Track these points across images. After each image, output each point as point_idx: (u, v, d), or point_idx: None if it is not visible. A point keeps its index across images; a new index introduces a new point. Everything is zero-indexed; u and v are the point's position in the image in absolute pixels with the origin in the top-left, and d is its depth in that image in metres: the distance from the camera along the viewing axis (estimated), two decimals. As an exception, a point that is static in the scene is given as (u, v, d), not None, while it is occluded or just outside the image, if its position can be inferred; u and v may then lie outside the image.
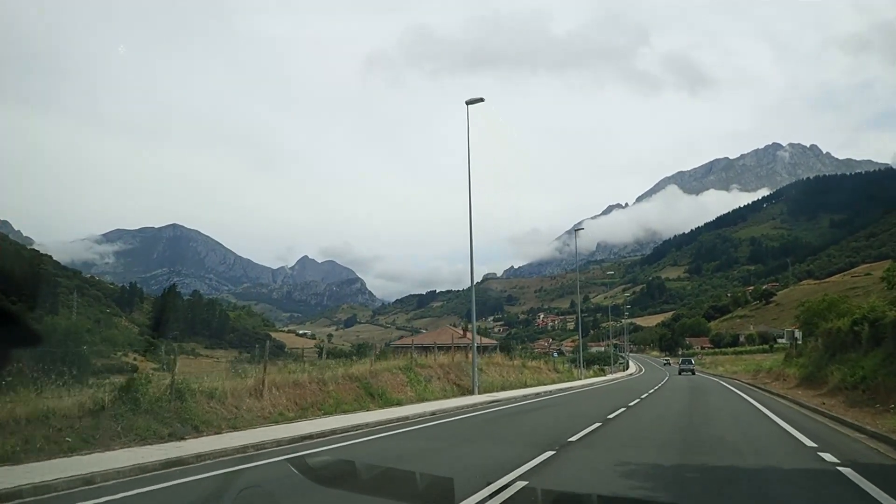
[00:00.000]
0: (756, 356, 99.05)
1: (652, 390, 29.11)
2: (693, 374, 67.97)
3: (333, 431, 12.82)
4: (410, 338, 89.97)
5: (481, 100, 24.55)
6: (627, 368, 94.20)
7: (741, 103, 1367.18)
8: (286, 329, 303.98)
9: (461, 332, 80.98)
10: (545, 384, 33.64)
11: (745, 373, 50.29)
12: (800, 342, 36.11)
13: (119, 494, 7.26)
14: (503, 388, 27.02)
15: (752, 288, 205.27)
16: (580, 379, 43.76)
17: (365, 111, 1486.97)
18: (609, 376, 58.78)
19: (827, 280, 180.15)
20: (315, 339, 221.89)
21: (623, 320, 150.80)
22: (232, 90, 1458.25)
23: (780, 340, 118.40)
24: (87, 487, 7.67)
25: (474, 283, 25.27)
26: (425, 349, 78.83)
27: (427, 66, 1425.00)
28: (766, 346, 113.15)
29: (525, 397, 24.41)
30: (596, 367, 64.29)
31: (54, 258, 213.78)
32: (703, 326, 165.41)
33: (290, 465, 8.34)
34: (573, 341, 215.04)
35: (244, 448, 10.41)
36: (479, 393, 23.75)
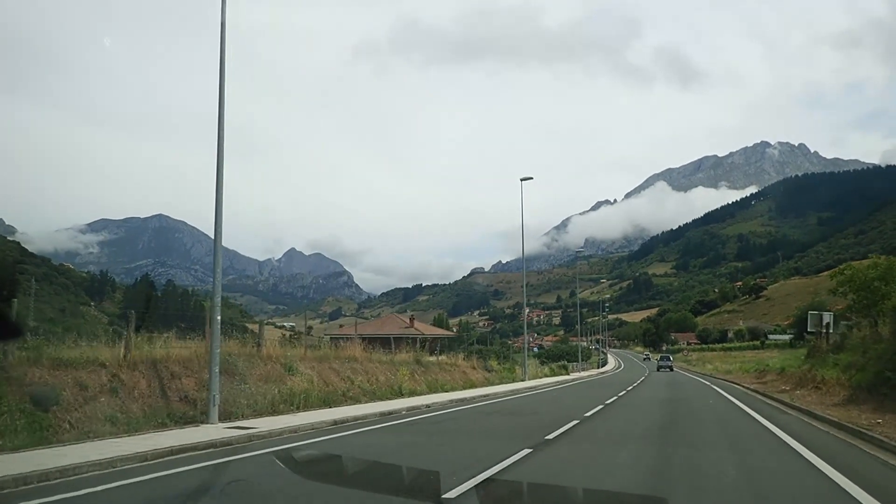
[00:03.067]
0: (746, 353, 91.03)
1: (600, 406, 16.81)
2: (671, 370, 65.25)
3: None
4: (353, 327, 77.65)
5: None
6: (604, 365, 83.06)
7: (730, 101, 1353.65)
8: (265, 321, 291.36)
9: (407, 321, 68.63)
10: (445, 391, 21.55)
11: (744, 373, 38.07)
12: (831, 330, 23.90)
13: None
14: (322, 404, 14.64)
15: (740, 283, 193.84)
16: (520, 381, 31.51)
17: (353, 103, 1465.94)
18: (573, 375, 46.68)
19: (819, 275, 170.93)
20: (294, 331, 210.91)
21: (602, 315, 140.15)
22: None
23: (771, 336, 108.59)
24: None
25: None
26: (367, 340, 64.70)
27: (416, 57, 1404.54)
28: (757, 343, 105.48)
29: (338, 425, 12.11)
30: (557, 364, 52.00)
31: (23, 245, 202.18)
32: (689, 321, 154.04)
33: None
34: (556, 336, 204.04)
35: None
36: (221, 420, 11.34)
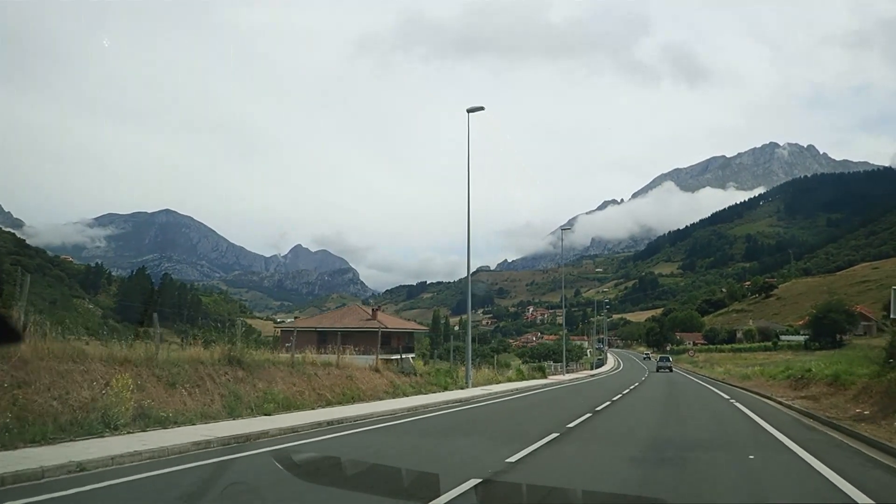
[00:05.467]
0: (757, 354, 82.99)
1: (467, 485, 6.56)
2: (670, 370, 62.37)
3: None
4: (309, 319, 68.43)
5: None
6: (601, 366, 73.72)
7: (739, 102, 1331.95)
8: (265, 316, 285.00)
9: (369, 313, 59.11)
10: (264, 413, 12.00)
11: (769, 380, 28.01)
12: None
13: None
14: None
15: (749, 283, 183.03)
16: (459, 389, 21.92)
17: (356, 102, 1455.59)
18: (550, 379, 36.98)
19: (834, 274, 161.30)
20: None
21: (601, 314, 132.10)
22: (226, 81, 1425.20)
23: (783, 337, 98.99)
24: None
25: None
26: (322, 335, 53.14)
27: (417, 55, 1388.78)
28: (769, 344, 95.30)
29: None
30: (533, 365, 42.35)
31: (23, 237, 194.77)
32: (695, 321, 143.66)
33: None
34: (557, 335, 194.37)
35: None
36: None
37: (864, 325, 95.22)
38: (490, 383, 26.88)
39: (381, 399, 16.88)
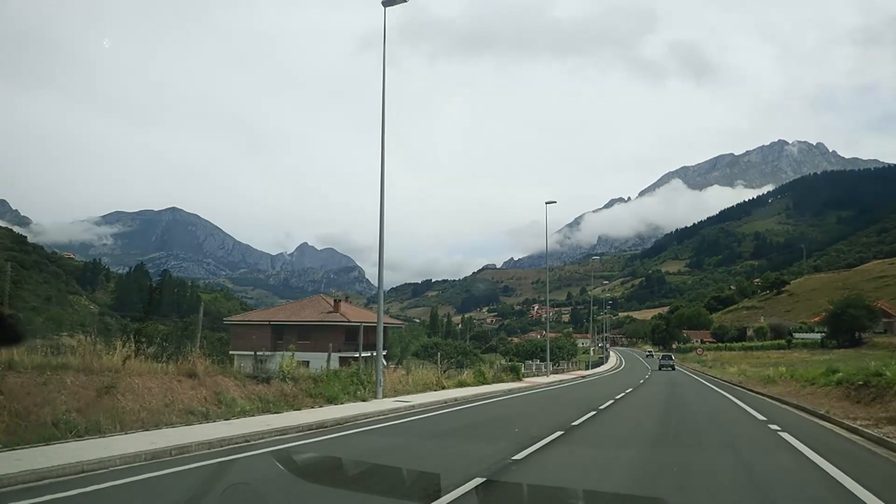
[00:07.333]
0: (770, 353, 76.41)
1: None
2: (672, 368, 61.85)
3: None
4: (263, 312, 61.46)
5: None
6: (599, 365, 66.66)
7: (747, 100, 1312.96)
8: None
9: (331, 305, 52.32)
10: None
11: (804, 385, 20.49)
12: None
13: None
14: None
15: (758, 280, 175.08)
16: (360, 402, 14.68)
17: (362, 99, 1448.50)
18: (526, 382, 29.72)
19: (849, 269, 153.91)
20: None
21: (605, 312, 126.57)
22: (232, 79, 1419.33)
23: (797, 335, 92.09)
24: None
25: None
26: (279, 329, 46.11)
27: (424, 51, 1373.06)
28: (783, 342, 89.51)
29: None
30: (506, 365, 35.06)
31: (16, 232, 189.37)
32: (703, 318, 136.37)
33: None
34: (561, 332, 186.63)
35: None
36: None
37: (885, 321, 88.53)
38: (427, 390, 19.58)
39: (171, 426, 9.68)
